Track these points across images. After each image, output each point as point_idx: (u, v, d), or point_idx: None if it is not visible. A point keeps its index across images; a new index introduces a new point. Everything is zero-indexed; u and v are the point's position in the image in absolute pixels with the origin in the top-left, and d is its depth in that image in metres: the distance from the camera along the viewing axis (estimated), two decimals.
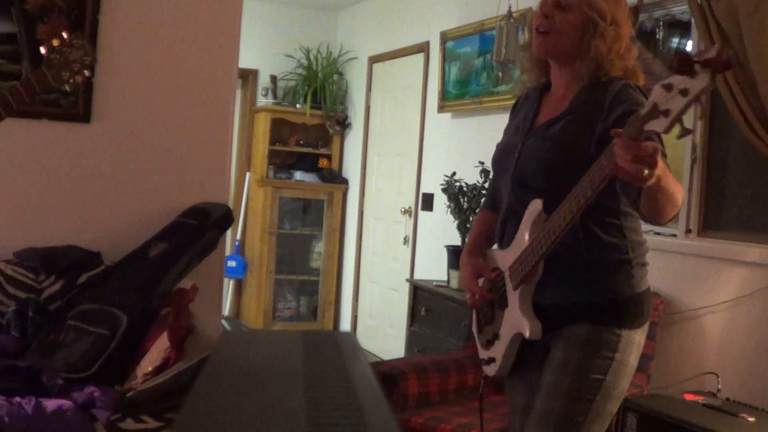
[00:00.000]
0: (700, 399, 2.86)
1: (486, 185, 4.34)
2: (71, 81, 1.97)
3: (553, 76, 2.06)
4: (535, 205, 1.89)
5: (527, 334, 1.89)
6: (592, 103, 1.91)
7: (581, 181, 1.70)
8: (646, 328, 1.97)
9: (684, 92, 1.43)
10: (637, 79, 1.95)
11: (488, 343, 2.07)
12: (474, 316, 2.17)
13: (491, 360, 2.06)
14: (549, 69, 2.07)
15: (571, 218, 1.74)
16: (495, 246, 2.16)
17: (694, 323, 3.22)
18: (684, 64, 1.42)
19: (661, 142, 1.84)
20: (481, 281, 2.10)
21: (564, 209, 1.75)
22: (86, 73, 1.99)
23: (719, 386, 2.96)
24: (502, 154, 2.11)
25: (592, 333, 1.89)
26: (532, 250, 1.87)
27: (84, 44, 1.97)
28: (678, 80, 1.44)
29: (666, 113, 1.45)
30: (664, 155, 1.84)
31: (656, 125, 1.48)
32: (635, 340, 1.93)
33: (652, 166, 1.53)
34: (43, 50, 1.93)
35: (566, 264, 1.90)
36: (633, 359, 1.93)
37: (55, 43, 1.93)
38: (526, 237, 1.89)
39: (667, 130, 1.47)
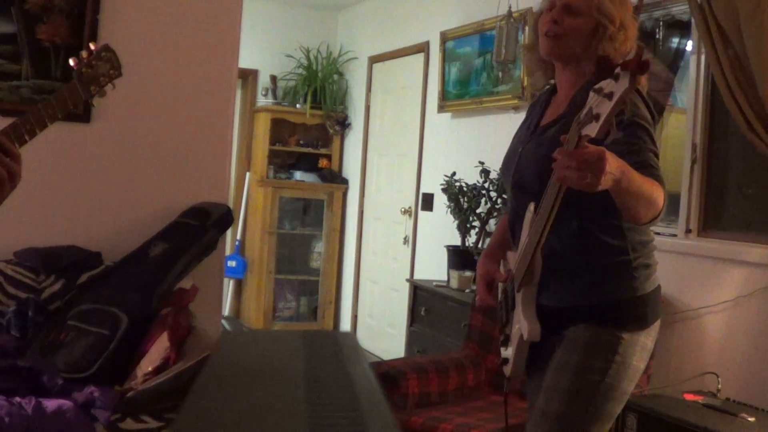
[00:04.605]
0: (700, 399, 2.86)
1: (486, 185, 4.35)
2: (97, 95, 1.91)
3: (557, 77, 2.06)
4: (530, 209, 1.90)
5: (525, 336, 1.89)
6: None
7: (546, 190, 1.70)
8: (654, 328, 1.93)
9: (609, 95, 1.44)
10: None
11: (503, 344, 2.08)
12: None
13: (506, 361, 2.06)
14: (555, 70, 2.06)
15: (543, 227, 1.74)
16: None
17: (694, 323, 3.22)
18: (605, 67, 1.46)
19: (653, 142, 1.83)
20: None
21: (539, 217, 1.76)
22: (111, 87, 1.93)
23: (719, 386, 2.96)
24: (506, 159, 2.11)
25: (592, 335, 1.88)
26: (523, 254, 1.88)
27: (112, 57, 1.92)
28: (605, 84, 1.46)
29: (597, 117, 1.45)
30: (656, 155, 1.81)
31: (589, 130, 1.47)
32: (639, 342, 1.89)
33: (597, 172, 1.50)
34: (72, 62, 1.86)
35: (565, 266, 1.90)
36: (636, 361, 1.89)
37: (84, 54, 1.87)
38: (526, 241, 1.90)
39: (600, 135, 1.45)
